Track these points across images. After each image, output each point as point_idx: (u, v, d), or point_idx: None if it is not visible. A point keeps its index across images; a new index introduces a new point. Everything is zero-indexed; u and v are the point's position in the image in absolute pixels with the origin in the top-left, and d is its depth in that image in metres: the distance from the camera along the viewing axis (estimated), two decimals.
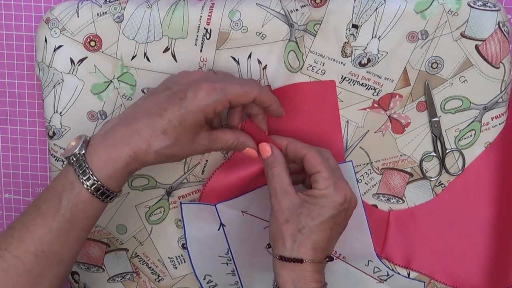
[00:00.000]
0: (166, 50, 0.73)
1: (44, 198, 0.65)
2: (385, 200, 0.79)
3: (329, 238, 0.68)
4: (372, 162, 0.77)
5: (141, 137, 0.65)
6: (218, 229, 0.78)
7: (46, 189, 0.66)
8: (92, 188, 0.64)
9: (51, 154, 0.78)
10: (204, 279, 0.82)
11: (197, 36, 0.72)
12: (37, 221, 0.65)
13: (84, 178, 0.64)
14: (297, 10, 0.71)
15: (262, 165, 0.73)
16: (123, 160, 0.64)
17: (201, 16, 0.72)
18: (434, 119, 0.72)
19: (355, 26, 0.72)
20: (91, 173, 0.64)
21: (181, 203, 0.78)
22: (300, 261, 0.67)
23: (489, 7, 0.71)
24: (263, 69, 0.73)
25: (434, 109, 0.73)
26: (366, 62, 0.73)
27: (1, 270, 0.64)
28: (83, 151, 0.65)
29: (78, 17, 0.73)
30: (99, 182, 0.64)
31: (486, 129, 0.76)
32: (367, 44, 0.72)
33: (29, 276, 0.64)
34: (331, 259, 0.70)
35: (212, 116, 0.66)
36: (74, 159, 0.65)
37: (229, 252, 0.79)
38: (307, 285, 0.67)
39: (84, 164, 0.64)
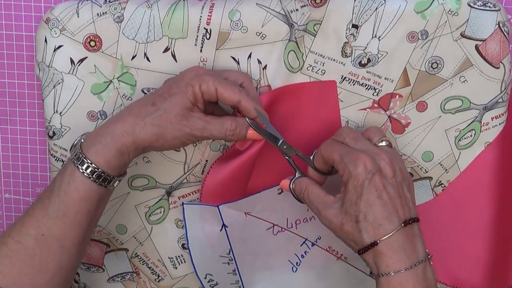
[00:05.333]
0: (166, 50, 0.73)
1: (46, 188, 0.68)
2: None
3: (385, 206, 0.63)
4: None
5: (132, 112, 0.67)
6: (220, 230, 0.78)
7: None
8: (86, 170, 0.66)
9: (51, 154, 0.78)
10: (205, 278, 0.82)
11: (197, 36, 0.72)
12: (35, 205, 0.67)
13: (78, 162, 0.66)
14: (297, 10, 0.71)
15: (259, 155, 0.72)
16: (116, 139, 0.66)
17: (201, 16, 0.72)
18: (279, 144, 0.70)
19: (355, 26, 0.72)
20: (84, 156, 0.66)
21: (183, 203, 0.78)
22: (375, 244, 0.63)
23: (489, 7, 0.71)
24: (263, 69, 0.73)
25: (272, 136, 0.70)
26: (366, 62, 0.73)
27: (5, 257, 0.66)
28: (82, 141, 0.68)
29: (78, 17, 0.73)
30: (92, 164, 0.65)
31: (486, 129, 0.76)
32: (367, 44, 0.72)
33: (32, 261, 0.66)
34: (413, 220, 0.64)
35: (199, 97, 0.67)
36: (73, 148, 0.68)
37: (231, 252, 0.79)
38: (389, 267, 0.62)
39: (79, 150, 0.66)
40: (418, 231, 0.65)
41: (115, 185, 0.69)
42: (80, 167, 0.66)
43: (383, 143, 0.67)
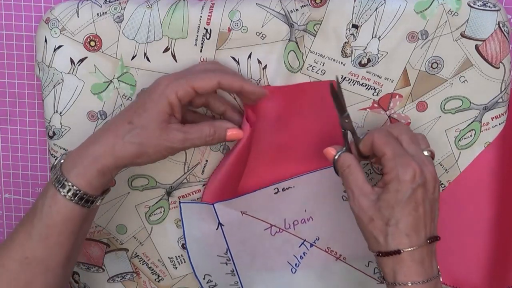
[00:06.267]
0: (166, 50, 0.73)
1: (28, 211, 0.67)
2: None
3: (418, 219, 0.64)
4: (372, 162, 0.77)
5: (110, 131, 0.66)
6: (217, 229, 0.78)
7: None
8: (68, 193, 0.65)
9: (51, 154, 0.78)
10: (204, 278, 0.82)
11: (197, 36, 0.72)
12: (18, 229, 0.67)
13: (60, 185, 0.65)
14: (297, 10, 0.71)
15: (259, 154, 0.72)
16: (97, 160, 0.65)
17: (201, 16, 0.72)
18: (344, 115, 0.69)
19: (355, 26, 0.72)
20: (65, 179, 0.65)
21: (180, 202, 0.78)
22: (398, 252, 0.64)
23: (489, 7, 0.71)
24: (263, 69, 0.73)
25: (342, 106, 0.68)
26: (366, 62, 0.73)
27: None
28: (62, 161, 0.67)
29: (78, 17, 0.73)
30: (74, 187, 0.65)
31: (486, 129, 0.76)
32: (367, 44, 0.72)
33: (17, 284, 0.66)
34: (435, 239, 0.66)
35: (176, 102, 0.66)
36: (53, 169, 0.67)
37: (228, 252, 0.79)
38: (407, 278, 0.64)
39: (58, 173, 0.65)
40: (435, 249, 0.66)
41: (98, 204, 0.68)
42: (61, 190, 0.65)
43: (427, 153, 0.68)
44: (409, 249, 0.64)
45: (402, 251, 0.64)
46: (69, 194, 0.65)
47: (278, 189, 0.77)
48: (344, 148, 0.69)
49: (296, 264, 0.81)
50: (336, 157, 0.69)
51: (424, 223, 0.65)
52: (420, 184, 0.64)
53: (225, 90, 0.70)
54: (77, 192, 0.65)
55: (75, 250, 0.69)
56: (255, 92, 0.69)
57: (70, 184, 0.65)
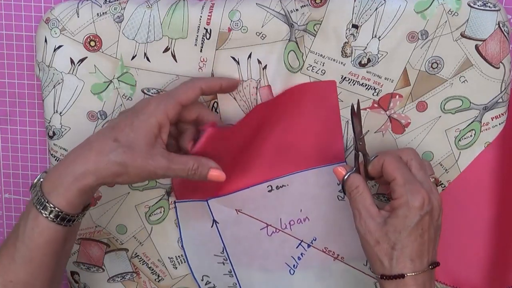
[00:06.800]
0: (166, 50, 0.73)
1: (10, 232, 0.67)
2: (385, 200, 0.79)
3: (423, 245, 0.66)
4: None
5: (93, 148, 0.65)
6: (212, 226, 0.78)
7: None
8: (50, 215, 0.64)
9: (51, 154, 0.78)
10: (202, 280, 0.82)
11: (197, 36, 0.72)
12: (1, 252, 0.66)
13: (41, 207, 0.64)
14: (297, 10, 0.71)
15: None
16: (78, 180, 0.64)
17: (201, 16, 0.72)
18: (360, 137, 0.70)
19: (355, 26, 0.72)
20: (46, 200, 0.64)
21: (175, 202, 0.78)
22: (402, 276, 0.66)
23: (489, 7, 0.71)
24: (263, 69, 0.73)
25: (360, 127, 0.70)
26: (366, 62, 0.73)
27: None
28: (41, 180, 0.66)
29: (78, 17, 0.73)
30: (56, 209, 0.64)
31: (486, 129, 0.76)
32: (367, 44, 0.72)
33: None
34: (436, 264, 0.68)
35: (165, 122, 0.66)
36: (33, 189, 0.66)
37: (224, 251, 0.79)
38: None
39: (39, 193, 0.64)
40: (434, 274, 0.68)
41: (79, 221, 0.68)
42: (43, 212, 0.64)
43: (432, 180, 0.69)
44: (413, 273, 0.65)
45: (406, 275, 0.65)
46: (51, 215, 0.64)
47: (271, 187, 0.77)
48: (354, 169, 0.70)
49: (294, 265, 0.81)
50: (346, 177, 0.69)
51: (428, 249, 0.67)
52: (428, 212, 0.66)
53: (207, 94, 0.71)
54: (59, 213, 0.64)
55: (59, 269, 0.69)
56: (232, 84, 0.72)
57: (51, 205, 0.64)
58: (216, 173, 0.69)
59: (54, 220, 0.64)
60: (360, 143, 0.70)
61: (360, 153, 0.70)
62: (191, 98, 0.68)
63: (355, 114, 0.69)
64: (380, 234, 0.66)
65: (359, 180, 0.69)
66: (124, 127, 0.66)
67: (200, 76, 0.73)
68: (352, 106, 0.69)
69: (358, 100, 0.71)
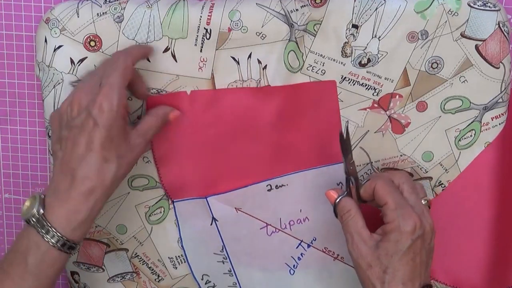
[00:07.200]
0: (166, 50, 0.73)
1: (10, 261, 0.66)
2: None
3: (415, 268, 0.67)
4: (372, 162, 0.77)
5: (89, 179, 0.66)
6: (211, 224, 0.78)
7: (10, 251, 0.67)
8: (58, 244, 0.65)
9: (51, 154, 0.78)
10: (202, 279, 0.82)
11: (197, 36, 0.72)
12: (5, 283, 0.66)
13: (49, 237, 0.64)
14: (297, 10, 0.71)
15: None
16: (82, 202, 0.65)
17: (201, 16, 0.72)
18: (350, 161, 0.70)
19: (355, 26, 0.72)
20: (55, 231, 0.64)
21: (173, 201, 0.78)
22: None
23: (489, 7, 0.71)
24: (263, 69, 0.73)
25: (348, 152, 0.70)
26: (366, 62, 0.73)
27: None
28: (42, 211, 0.65)
29: (78, 17, 0.73)
30: (64, 238, 0.65)
31: (486, 129, 0.76)
32: (367, 44, 0.72)
33: None
34: (429, 287, 0.68)
35: (125, 107, 0.67)
36: (35, 220, 0.65)
37: (224, 249, 0.79)
38: None
39: (46, 224, 0.65)
40: None
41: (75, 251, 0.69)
42: (50, 240, 0.64)
43: (424, 202, 0.70)
44: None
45: None
46: (58, 244, 0.65)
47: (271, 186, 0.77)
48: (346, 192, 0.70)
49: (294, 266, 0.81)
50: (337, 200, 0.70)
51: (419, 272, 0.67)
52: (419, 236, 0.66)
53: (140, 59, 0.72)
54: (66, 242, 0.65)
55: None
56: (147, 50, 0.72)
57: (64, 238, 0.65)
58: (175, 113, 0.72)
59: (61, 248, 0.65)
60: (351, 167, 0.70)
61: (351, 176, 0.70)
62: (131, 76, 0.69)
63: (344, 139, 0.69)
64: (372, 258, 0.67)
65: (351, 204, 0.69)
66: (98, 135, 0.65)
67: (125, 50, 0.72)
68: (341, 132, 0.69)
69: (347, 123, 0.71)
